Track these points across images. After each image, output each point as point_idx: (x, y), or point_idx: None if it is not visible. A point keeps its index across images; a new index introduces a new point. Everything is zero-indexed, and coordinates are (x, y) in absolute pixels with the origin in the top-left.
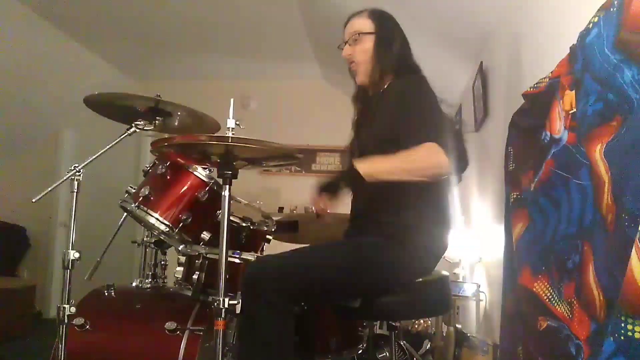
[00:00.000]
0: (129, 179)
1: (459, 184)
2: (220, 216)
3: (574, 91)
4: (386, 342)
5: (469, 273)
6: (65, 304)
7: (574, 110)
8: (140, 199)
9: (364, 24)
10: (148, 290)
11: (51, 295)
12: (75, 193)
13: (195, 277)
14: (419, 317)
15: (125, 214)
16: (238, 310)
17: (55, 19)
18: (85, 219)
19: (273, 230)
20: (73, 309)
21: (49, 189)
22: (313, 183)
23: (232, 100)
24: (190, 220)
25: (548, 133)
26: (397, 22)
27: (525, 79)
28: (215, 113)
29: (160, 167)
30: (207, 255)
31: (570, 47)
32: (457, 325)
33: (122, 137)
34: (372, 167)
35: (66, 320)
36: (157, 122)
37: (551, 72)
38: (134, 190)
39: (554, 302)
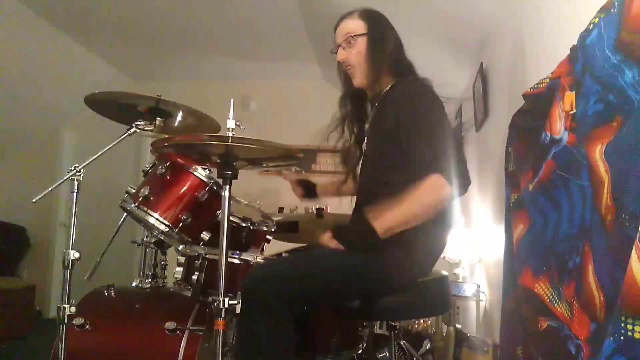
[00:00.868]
0: (129, 179)
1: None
2: (220, 216)
3: (574, 92)
4: (386, 342)
5: (469, 273)
6: (65, 304)
7: (574, 110)
8: (140, 199)
9: (356, 25)
10: (148, 290)
11: (51, 295)
12: (75, 193)
13: (195, 277)
14: (419, 317)
15: (125, 214)
16: (238, 310)
17: (55, 18)
18: (85, 219)
19: (273, 230)
20: (73, 309)
21: (49, 189)
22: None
23: (232, 100)
24: (190, 220)
25: (548, 134)
26: (387, 20)
27: (525, 79)
28: (215, 113)
29: (160, 167)
30: (207, 256)
31: (571, 48)
32: (457, 325)
33: (122, 137)
34: (387, 223)
35: (66, 320)
36: (157, 122)
37: (551, 73)
38: (133, 191)
39: (554, 302)
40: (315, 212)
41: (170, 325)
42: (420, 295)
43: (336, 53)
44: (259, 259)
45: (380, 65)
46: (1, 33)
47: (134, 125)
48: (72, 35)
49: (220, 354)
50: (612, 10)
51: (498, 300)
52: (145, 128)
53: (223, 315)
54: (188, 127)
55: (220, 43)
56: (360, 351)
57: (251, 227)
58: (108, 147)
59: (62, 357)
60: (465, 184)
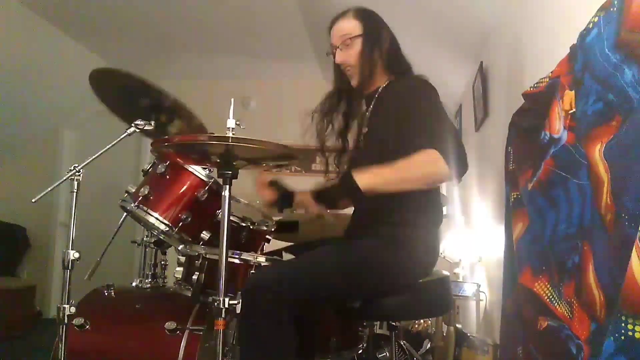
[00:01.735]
0: (129, 179)
1: (458, 184)
2: (220, 216)
3: (573, 91)
4: (386, 342)
5: (469, 273)
6: (65, 304)
7: (574, 110)
8: (140, 199)
9: (351, 26)
10: (148, 290)
11: (51, 295)
12: (75, 193)
13: (195, 277)
14: (420, 318)
15: (125, 213)
16: (238, 310)
17: (55, 18)
18: (85, 219)
19: (273, 230)
20: (73, 309)
21: (49, 189)
22: (311, 184)
23: (232, 100)
24: (190, 220)
25: (547, 133)
26: (381, 18)
27: (525, 78)
28: (215, 113)
29: (160, 166)
30: (207, 255)
31: (570, 47)
32: (457, 325)
33: (122, 137)
34: (370, 181)
35: (66, 320)
36: (156, 122)
37: (551, 72)
38: (133, 190)
39: (554, 302)
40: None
41: (170, 325)
42: (421, 295)
43: (332, 54)
44: (259, 259)
45: (378, 64)
46: (1, 33)
47: (133, 125)
48: (72, 36)
49: (220, 354)
50: (611, 9)
51: (498, 300)
52: (145, 128)
53: (223, 315)
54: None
55: (220, 43)
56: (360, 351)
57: (251, 227)
58: (108, 147)
59: (62, 357)
60: (462, 169)
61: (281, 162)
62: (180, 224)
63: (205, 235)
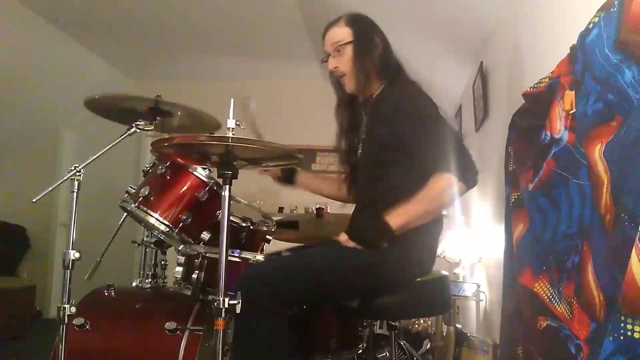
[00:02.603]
0: (129, 179)
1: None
2: (220, 216)
3: (574, 91)
4: (386, 341)
5: (469, 273)
6: (65, 304)
7: (574, 110)
8: (140, 199)
9: (343, 33)
10: (148, 290)
11: (51, 295)
12: (75, 193)
13: (195, 276)
14: (419, 317)
15: (125, 214)
16: (238, 310)
17: (55, 19)
18: (85, 219)
19: (273, 230)
20: (73, 309)
21: (49, 189)
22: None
23: (232, 100)
24: (190, 220)
25: (548, 133)
26: (374, 23)
27: (525, 79)
28: (215, 113)
29: (160, 167)
30: (207, 255)
31: (571, 47)
32: (457, 325)
33: (122, 137)
34: (401, 221)
35: (66, 320)
36: (157, 122)
37: (551, 72)
38: (134, 190)
39: (554, 301)
40: (315, 211)
41: (170, 325)
42: (421, 294)
43: (326, 62)
44: (259, 258)
45: (369, 70)
46: (1, 33)
47: (133, 125)
48: (72, 35)
49: (220, 354)
50: (612, 10)
51: (498, 300)
52: (145, 128)
53: (223, 315)
54: (188, 126)
55: (220, 43)
56: (360, 351)
57: (251, 227)
58: (108, 147)
59: (62, 357)
60: (473, 176)
61: (281, 162)
62: (180, 225)
63: (205, 235)
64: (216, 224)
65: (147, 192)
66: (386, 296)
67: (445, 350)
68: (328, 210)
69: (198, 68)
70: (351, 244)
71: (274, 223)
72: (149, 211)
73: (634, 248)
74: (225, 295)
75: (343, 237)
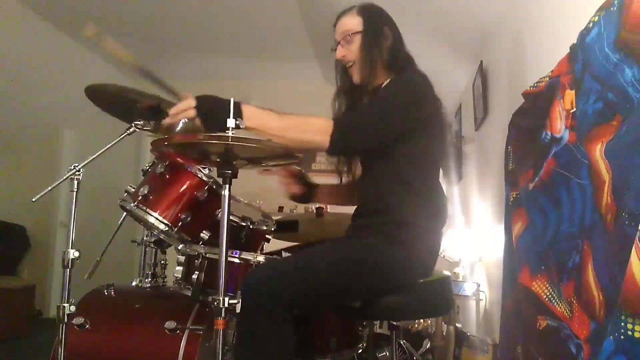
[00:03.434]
0: (129, 179)
1: (458, 183)
2: (219, 215)
3: (574, 90)
4: (386, 341)
5: (469, 272)
6: (65, 303)
7: (575, 109)
8: (139, 199)
9: (354, 23)
10: (148, 289)
11: (51, 295)
12: (75, 193)
13: (194, 276)
14: (421, 318)
15: (124, 213)
16: (238, 310)
17: (55, 18)
18: (85, 218)
19: (273, 229)
20: (73, 309)
21: (49, 188)
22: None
23: (232, 100)
24: (189, 219)
25: (549, 132)
26: (387, 15)
27: (525, 78)
28: None
29: (159, 166)
30: (207, 255)
31: (571, 47)
32: (457, 325)
33: (122, 136)
34: (256, 122)
35: (66, 320)
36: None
37: (551, 72)
38: (133, 190)
39: (553, 301)
40: (315, 211)
41: (170, 324)
42: (423, 295)
43: (335, 50)
44: (259, 258)
45: (378, 61)
46: (1, 33)
47: (133, 124)
48: (72, 35)
49: (220, 354)
50: (612, 9)
51: (498, 299)
52: (145, 128)
53: (223, 315)
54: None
55: (220, 43)
56: (360, 351)
57: (251, 227)
58: (108, 146)
59: (62, 357)
60: (347, 148)
61: (281, 162)
62: (180, 224)
63: (205, 235)
64: (216, 223)
65: (146, 192)
66: (389, 297)
67: (445, 349)
68: (328, 210)
69: (198, 68)
70: (189, 112)
71: (274, 223)
72: (148, 210)
73: (634, 247)
74: (225, 295)
75: (186, 102)
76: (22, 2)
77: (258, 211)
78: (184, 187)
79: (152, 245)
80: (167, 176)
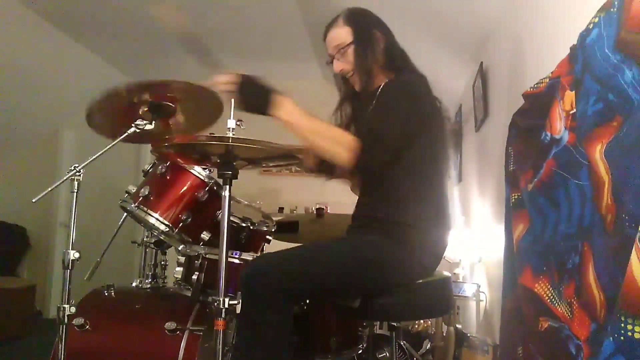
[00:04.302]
0: (129, 179)
1: (459, 183)
2: (220, 216)
3: (574, 91)
4: (386, 342)
5: (469, 273)
6: (65, 304)
7: (575, 110)
8: (140, 199)
9: (343, 35)
10: (148, 290)
11: (51, 295)
12: (75, 193)
13: (195, 277)
14: (421, 318)
15: (125, 214)
16: (238, 310)
17: (55, 18)
18: (85, 219)
19: (273, 230)
20: (73, 309)
21: (49, 189)
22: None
23: (232, 100)
24: (190, 220)
25: (548, 133)
26: (374, 16)
27: (525, 79)
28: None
29: (160, 167)
30: (207, 256)
31: (571, 48)
32: (457, 325)
33: (122, 137)
34: (289, 118)
35: (66, 320)
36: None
37: (551, 72)
38: (134, 190)
39: (554, 302)
40: (315, 212)
41: (170, 325)
42: (423, 296)
43: (331, 64)
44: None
45: (373, 66)
46: (1, 33)
47: (133, 125)
48: (72, 35)
49: (220, 354)
50: (612, 10)
51: (498, 300)
52: (145, 128)
53: (223, 315)
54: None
55: (221, 43)
56: (360, 351)
57: (251, 227)
58: (108, 147)
59: (62, 357)
60: (367, 165)
61: (281, 163)
62: (180, 225)
63: (205, 235)
64: (216, 224)
65: (147, 192)
66: (388, 297)
67: (445, 350)
68: (328, 211)
69: (198, 68)
70: (231, 87)
71: (274, 223)
72: (148, 211)
73: (634, 248)
74: (225, 296)
75: (231, 76)
76: (23, 2)
77: (258, 212)
78: (185, 188)
79: (152, 246)
80: (168, 177)
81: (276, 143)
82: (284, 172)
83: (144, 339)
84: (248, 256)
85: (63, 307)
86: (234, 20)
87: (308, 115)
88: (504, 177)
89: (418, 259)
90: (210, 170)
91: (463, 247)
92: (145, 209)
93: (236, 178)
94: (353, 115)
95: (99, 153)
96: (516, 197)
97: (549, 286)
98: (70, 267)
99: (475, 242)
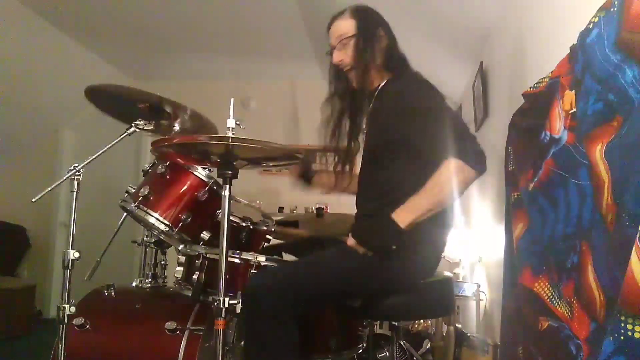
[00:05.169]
0: (129, 179)
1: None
2: (220, 216)
3: (574, 91)
4: (386, 342)
5: (469, 273)
6: (65, 303)
7: (574, 110)
8: (140, 199)
9: (348, 26)
10: (148, 290)
11: (51, 295)
12: (75, 193)
13: (195, 277)
14: (422, 318)
15: (125, 213)
16: (238, 310)
17: (55, 19)
18: (85, 219)
19: (273, 230)
20: (73, 309)
21: (49, 188)
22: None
23: (232, 100)
24: (190, 220)
25: (548, 133)
26: (380, 16)
27: (525, 78)
28: (215, 113)
29: (160, 167)
30: (207, 255)
31: (571, 47)
32: (457, 325)
33: (122, 137)
34: (410, 217)
35: (66, 320)
36: (156, 122)
37: (551, 72)
38: (133, 190)
39: (554, 302)
40: (315, 211)
41: (170, 325)
42: (424, 296)
43: (330, 55)
44: (259, 259)
45: (374, 63)
46: (1, 33)
47: (133, 124)
48: (72, 35)
49: (220, 354)
50: (612, 9)
51: (498, 300)
52: (145, 128)
53: (223, 315)
54: (186, 129)
55: (220, 43)
56: (360, 351)
57: (251, 227)
58: (108, 146)
59: (62, 357)
60: (481, 162)
61: (281, 163)
62: (180, 224)
63: (205, 235)
64: (216, 223)
65: (147, 192)
66: (390, 298)
67: (445, 350)
68: (328, 210)
69: (198, 68)
70: (360, 248)
71: (274, 223)
72: (148, 211)
73: (634, 248)
74: (226, 295)
75: (351, 241)
76: (22, 2)
77: (258, 211)
78: (185, 187)
79: (153, 246)
80: (168, 177)
81: (276, 143)
82: (284, 172)
83: (144, 338)
84: (248, 255)
85: (63, 307)
86: (233, 19)
87: (416, 198)
88: (504, 177)
89: (421, 262)
90: (210, 170)
91: (463, 247)
92: (145, 208)
93: (236, 178)
94: (345, 111)
95: (99, 153)
96: (515, 196)
97: (548, 286)
98: (70, 267)
99: (475, 242)
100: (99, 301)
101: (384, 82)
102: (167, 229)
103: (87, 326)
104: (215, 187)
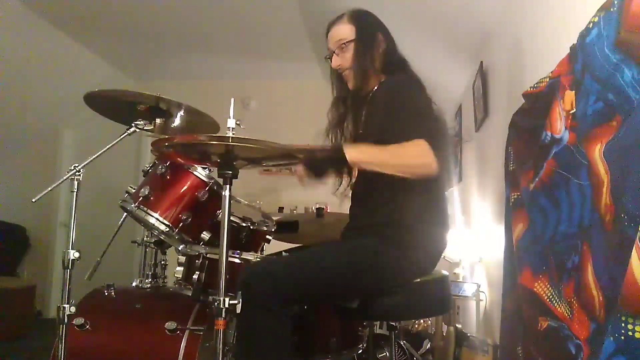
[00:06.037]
0: (129, 179)
1: (459, 183)
2: (220, 216)
3: (574, 91)
4: (386, 342)
5: (469, 273)
6: (65, 303)
7: (575, 110)
8: (140, 199)
9: (346, 31)
10: (148, 290)
11: (51, 295)
12: (75, 193)
13: (195, 277)
14: (420, 318)
15: (125, 214)
16: (238, 310)
17: (55, 18)
18: (85, 219)
19: (273, 230)
20: (73, 309)
21: (49, 188)
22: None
23: (232, 100)
24: (190, 220)
25: (549, 133)
26: (378, 20)
27: (525, 78)
28: (215, 113)
29: (160, 167)
30: (207, 255)
31: (570, 47)
32: (457, 325)
33: (122, 137)
34: (359, 155)
35: (66, 320)
36: (157, 122)
37: (551, 72)
38: (134, 190)
39: (554, 302)
40: (315, 211)
41: (170, 325)
42: (421, 295)
43: (330, 59)
44: (259, 259)
45: (372, 67)
46: (1, 33)
47: (133, 124)
48: (72, 35)
49: (220, 354)
50: (611, 9)
51: (498, 300)
52: (145, 128)
53: (223, 315)
54: (188, 126)
55: (220, 43)
56: (360, 351)
57: (251, 227)
58: (108, 146)
59: (62, 357)
60: (448, 166)
61: (281, 163)
62: (180, 224)
63: (205, 235)
64: (216, 223)
65: (147, 192)
66: (386, 297)
67: (445, 350)
68: (328, 210)
69: (198, 68)
70: (301, 172)
71: (274, 223)
72: (149, 211)
73: (634, 248)
74: (226, 295)
75: (299, 169)
76: (23, 2)
77: (258, 212)
78: (185, 187)
79: (153, 246)
80: (168, 177)
81: (276, 143)
82: (284, 172)
83: (144, 338)
84: (248, 256)
85: (63, 307)
86: (234, 20)
87: (372, 147)
88: (504, 177)
89: (416, 260)
90: (210, 170)
91: (463, 247)
92: (145, 208)
93: (236, 178)
94: (344, 114)
95: (99, 153)
96: (515, 196)
97: (548, 286)
98: (70, 267)
99: (475, 242)
100: (99, 301)
101: (377, 85)
102: (167, 229)
103: (87, 326)
104: (215, 187)
